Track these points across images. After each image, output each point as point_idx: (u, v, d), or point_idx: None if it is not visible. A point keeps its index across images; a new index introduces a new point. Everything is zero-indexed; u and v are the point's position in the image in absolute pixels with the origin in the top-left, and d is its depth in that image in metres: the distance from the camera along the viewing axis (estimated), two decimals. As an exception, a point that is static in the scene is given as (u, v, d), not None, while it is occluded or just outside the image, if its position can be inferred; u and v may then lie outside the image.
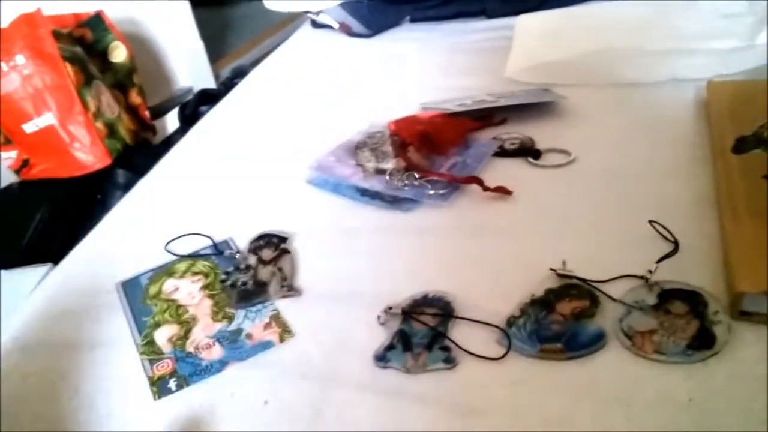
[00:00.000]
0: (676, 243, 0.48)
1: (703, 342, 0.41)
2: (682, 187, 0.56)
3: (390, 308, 0.47)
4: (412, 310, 0.47)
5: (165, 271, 0.55)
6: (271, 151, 0.75)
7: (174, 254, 0.56)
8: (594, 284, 0.46)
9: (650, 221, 0.51)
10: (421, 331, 0.45)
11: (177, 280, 0.53)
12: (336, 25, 1.05)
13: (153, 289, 0.53)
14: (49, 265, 1.07)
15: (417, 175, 0.61)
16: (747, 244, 0.45)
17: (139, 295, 0.53)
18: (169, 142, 0.80)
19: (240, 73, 1.02)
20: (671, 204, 0.54)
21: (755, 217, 0.48)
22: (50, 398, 0.46)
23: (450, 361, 0.43)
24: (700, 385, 0.39)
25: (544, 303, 0.46)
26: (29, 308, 0.55)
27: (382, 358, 0.44)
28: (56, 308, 0.54)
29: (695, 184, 0.56)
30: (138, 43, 2.06)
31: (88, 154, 1.64)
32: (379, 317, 0.47)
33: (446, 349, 0.44)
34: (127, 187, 0.74)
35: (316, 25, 1.11)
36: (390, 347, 0.45)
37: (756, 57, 0.71)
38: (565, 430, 0.38)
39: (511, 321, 0.45)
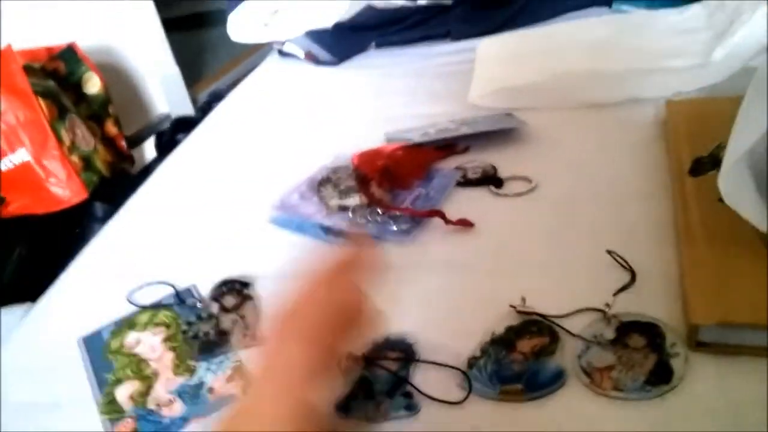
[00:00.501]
0: (633, 273, 0.49)
1: (660, 376, 0.41)
2: (642, 212, 0.57)
3: (350, 354, 0.46)
4: (373, 356, 0.46)
5: (127, 323, 0.54)
6: (237, 187, 0.75)
7: (136, 305, 0.56)
8: (553, 320, 0.46)
9: (608, 251, 0.51)
10: (383, 377, 0.45)
11: (139, 332, 0.53)
12: (302, 55, 1.05)
13: (115, 344, 0.52)
14: (28, 304, 1.07)
15: (380, 211, 0.61)
16: (703, 273, 0.45)
17: (100, 351, 0.52)
18: (147, 171, 0.80)
19: (217, 97, 1.02)
20: (631, 231, 0.55)
21: (711, 243, 0.48)
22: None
23: (412, 408, 0.43)
24: (659, 420, 0.39)
25: (504, 341, 0.46)
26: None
27: (343, 408, 0.43)
28: (17, 366, 0.54)
29: (655, 209, 0.57)
30: (112, 71, 2.06)
31: (64, 188, 1.63)
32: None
33: (408, 395, 0.44)
34: (105, 219, 0.74)
35: (282, 54, 1.11)
36: (352, 396, 0.44)
37: (713, 74, 0.72)
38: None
39: (471, 362, 0.45)
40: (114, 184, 1.66)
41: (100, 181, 1.68)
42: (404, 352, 0.46)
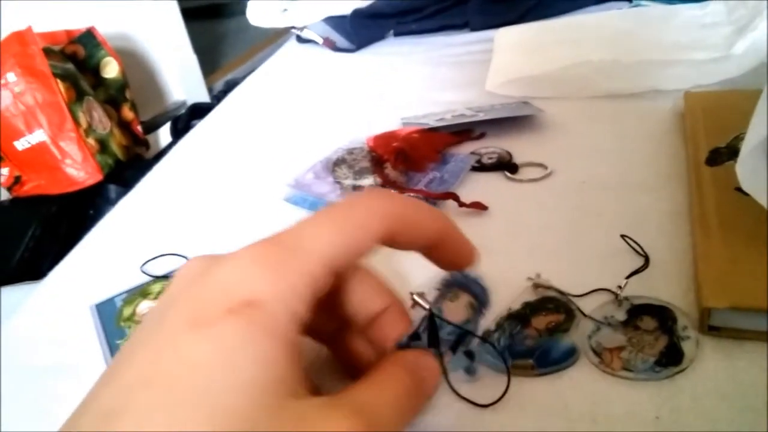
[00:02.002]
0: (646, 257, 0.49)
1: (671, 358, 0.41)
2: (657, 201, 0.57)
3: (421, 293, 0.39)
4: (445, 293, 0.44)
5: (139, 292, 0.55)
6: (252, 167, 0.75)
7: (149, 275, 0.57)
8: (570, 297, 0.46)
9: (622, 236, 0.51)
10: (450, 325, 0.40)
11: (151, 301, 0.53)
12: (320, 41, 1.06)
13: (127, 311, 0.53)
14: (35, 283, 1.08)
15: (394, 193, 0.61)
16: (717, 258, 0.45)
17: (113, 318, 0.53)
18: (162, 156, 0.81)
19: (233, 86, 1.02)
20: (645, 218, 0.55)
21: (726, 231, 0.48)
22: (22, 420, 0.46)
23: (471, 372, 0.40)
24: (667, 402, 0.39)
25: (520, 317, 0.46)
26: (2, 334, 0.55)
27: (404, 346, 0.39)
28: (29, 332, 0.54)
29: (670, 198, 0.56)
30: (130, 57, 2.07)
31: (79, 170, 1.65)
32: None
33: (470, 354, 0.39)
34: (119, 202, 0.74)
35: (300, 40, 1.11)
36: (414, 336, 0.37)
37: (733, 67, 0.72)
38: (531, 449, 0.38)
39: (486, 335, 0.45)
40: (129, 167, 1.68)
41: (115, 164, 1.69)
42: (476, 297, 0.42)
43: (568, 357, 0.43)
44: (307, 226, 0.32)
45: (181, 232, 0.64)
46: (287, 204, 0.64)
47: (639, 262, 0.49)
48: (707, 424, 0.38)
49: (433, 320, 0.36)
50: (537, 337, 0.44)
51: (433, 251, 0.38)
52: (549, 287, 0.47)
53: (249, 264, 0.30)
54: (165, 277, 0.56)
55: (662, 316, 0.44)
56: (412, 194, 0.61)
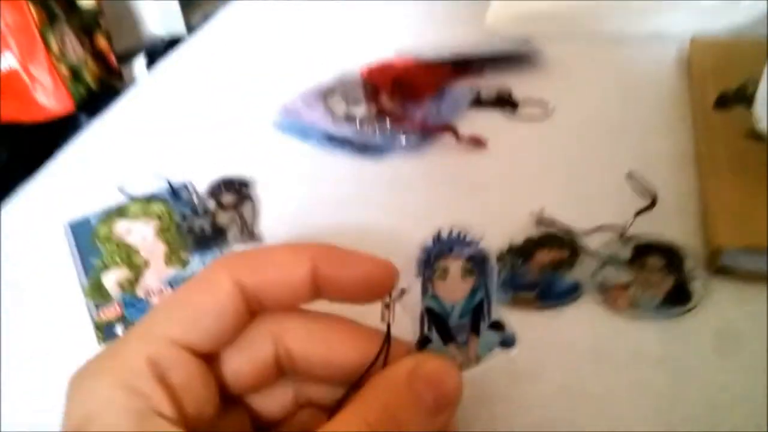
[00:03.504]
0: (654, 197, 0.47)
1: (678, 298, 0.40)
2: (662, 143, 0.55)
3: (402, 290, 0.29)
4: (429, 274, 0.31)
5: (117, 212, 0.51)
6: (237, 94, 0.71)
7: (127, 195, 0.53)
8: (575, 234, 0.44)
9: (628, 174, 0.49)
10: (453, 306, 0.30)
11: (130, 221, 0.50)
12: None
13: (103, 230, 0.50)
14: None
15: (389, 123, 0.58)
16: (728, 198, 0.44)
17: (88, 237, 0.49)
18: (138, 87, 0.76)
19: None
20: (650, 159, 0.52)
21: (737, 175, 0.46)
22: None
23: (509, 342, 0.30)
24: (673, 342, 0.38)
25: (522, 251, 0.44)
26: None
27: None
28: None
29: (675, 141, 0.55)
30: (106, -15, 1.97)
31: (50, 98, 1.57)
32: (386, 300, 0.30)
33: (497, 325, 0.30)
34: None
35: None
36: (424, 341, 0.29)
37: (740, 15, 0.69)
38: (531, 383, 0.37)
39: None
40: (102, 98, 1.60)
41: (88, 94, 1.62)
42: (475, 262, 0.30)
43: (572, 293, 0.41)
44: (148, 316, 0.29)
45: (164, 154, 0.60)
46: (276, 131, 0.61)
47: (643, 202, 0.47)
48: (714, 366, 0.36)
49: (432, 312, 0.30)
50: (539, 272, 0.42)
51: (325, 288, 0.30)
52: (553, 223, 0.45)
53: (77, 385, 0.26)
54: (145, 198, 0.52)
55: (669, 255, 0.42)
56: (408, 126, 0.58)
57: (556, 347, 0.38)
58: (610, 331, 0.39)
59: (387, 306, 0.30)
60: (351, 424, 0.25)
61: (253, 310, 0.29)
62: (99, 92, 1.64)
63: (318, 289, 0.29)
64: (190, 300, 0.28)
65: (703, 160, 0.50)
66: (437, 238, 0.29)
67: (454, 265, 0.29)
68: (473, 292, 0.30)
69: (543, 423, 0.35)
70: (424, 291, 0.29)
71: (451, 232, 0.29)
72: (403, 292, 0.30)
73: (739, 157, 0.48)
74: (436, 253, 0.29)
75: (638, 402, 0.35)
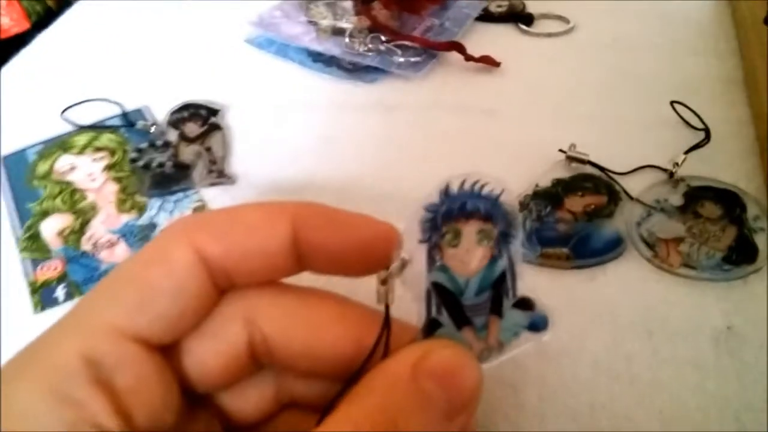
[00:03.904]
0: (706, 130, 0.39)
1: (742, 254, 0.33)
2: (706, 66, 0.46)
3: (403, 260, 0.22)
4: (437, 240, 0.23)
5: (59, 144, 0.42)
6: (204, 3, 0.61)
7: (72, 123, 0.44)
8: (613, 175, 0.37)
9: (673, 102, 0.41)
10: (470, 277, 0.23)
11: (74, 156, 0.42)
12: None
13: (42, 167, 0.41)
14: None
15: (384, 38, 0.49)
16: (797, 133, 0.36)
17: (23, 175, 0.41)
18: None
19: None
20: (693, 86, 0.45)
21: (802, 101, 0.39)
22: None
23: (540, 325, 0.24)
24: (740, 308, 0.31)
25: (550, 196, 0.36)
26: None
27: None
28: None
29: (720, 62, 0.46)
30: None
31: (3, 15, 1.43)
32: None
33: (526, 303, 0.23)
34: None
35: None
36: (432, 324, 0.22)
37: None
38: (565, 364, 0.30)
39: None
40: (59, 16, 1.47)
41: (45, 13, 1.48)
42: (488, 218, 0.23)
43: (614, 247, 0.34)
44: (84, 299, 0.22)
45: (117, 73, 0.50)
46: (249, 47, 0.52)
47: (689, 136, 0.40)
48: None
49: (441, 288, 0.23)
50: (572, 221, 0.35)
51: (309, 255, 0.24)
52: (586, 161, 0.38)
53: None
54: (92, 126, 0.44)
55: (728, 202, 0.35)
56: (407, 42, 0.49)
57: (595, 317, 0.31)
58: (662, 296, 0.32)
59: (384, 282, 0.22)
60: (338, 430, 0.19)
61: (221, 286, 0.23)
62: (57, 10, 1.49)
63: (301, 258, 0.23)
64: (138, 276, 0.22)
65: (757, 86, 0.42)
66: (446, 192, 0.22)
67: (468, 228, 0.22)
68: (493, 261, 0.23)
69: (581, 411, 0.29)
70: (431, 261, 0.22)
71: (463, 183, 0.22)
72: (404, 263, 0.22)
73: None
74: (445, 212, 0.22)
75: (695, 385, 0.29)
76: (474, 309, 0.22)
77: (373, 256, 0.23)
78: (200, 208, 0.38)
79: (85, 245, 0.37)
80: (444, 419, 0.20)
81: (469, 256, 0.22)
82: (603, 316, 0.31)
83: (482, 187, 0.22)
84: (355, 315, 0.24)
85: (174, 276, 0.21)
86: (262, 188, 0.39)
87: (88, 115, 0.45)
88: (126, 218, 0.38)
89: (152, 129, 0.43)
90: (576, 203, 0.36)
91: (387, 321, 0.22)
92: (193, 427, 0.23)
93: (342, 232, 0.23)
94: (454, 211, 0.22)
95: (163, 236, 0.23)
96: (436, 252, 0.22)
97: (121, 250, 0.36)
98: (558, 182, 0.37)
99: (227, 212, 0.25)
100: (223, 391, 0.25)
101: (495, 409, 0.29)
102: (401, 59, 0.48)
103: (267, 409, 0.25)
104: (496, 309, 0.23)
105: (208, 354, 0.23)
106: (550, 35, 0.51)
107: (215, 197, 0.39)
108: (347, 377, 0.21)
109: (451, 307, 0.22)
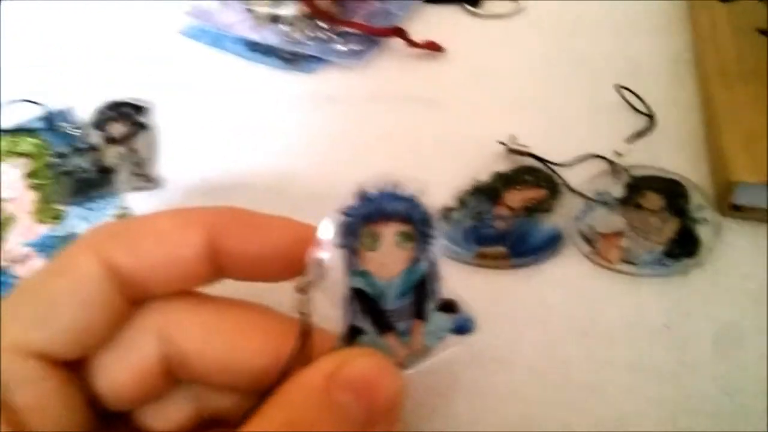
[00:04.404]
0: (650, 116, 0.38)
1: (683, 247, 0.32)
2: (655, 46, 0.45)
3: (320, 259, 0.21)
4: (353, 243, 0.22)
5: (-25, 151, 0.40)
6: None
7: (-9, 127, 0.42)
8: (554, 166, 0.35)
9: (619, 86, 0.40)
10: (390, 280, 0.22)
11: (-8, 164, 0.39)
12: None
13: (-44, 178, 0.39)
14: None
15: (324, 26, 0.47)
16: (743, 118, 0.35)
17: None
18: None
19: None
20: (641, 67, 0.43)
21: (751, 83, 0.37)
22: None
23: (465, 327, 0.22)
24: (679, 304, 0.30)
25: (489, 191, 0.35)
26: None
27: None
28: None
29: (671, 43, 0.45)
30: None
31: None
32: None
33: (449, 306, 0.22)
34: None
35: None
36: (353, 332, 0.21)
37: None
38: (500, 370, 0.29)
39: (444, 215, 0.34)
40: None
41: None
42: (415, 224, 0.22)
43: (552, 244, 0.32)
44: None
45: (38, 70, 0.48)
46: (184, 38, 0.49)
47: (637, 121, 0.38)
48: (731, 335, 0.29)
49: (361, 293, 0.22)
50: (510, 217, 0.34)
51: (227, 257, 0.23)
52: (526, 153, 0.36)
53: None
54: (11, 130, 0.41)
55: (671, 191, 0.34)
56: (348, 29, 0.47)
57: (530, 319, 0.30)
58: (598, 294, 0.31)
59: (302, 290, 0.21)
60: None
61: (133, 298, 0.22)
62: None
63: (218, 266, 0.22)
64: (41, 290, 0.21)
65: (707, 67, 0.40)
66: (363, 195, 0.21)
67: (387, 230, 0.22)
68: (414, 264, 0.22)
69: (517, 420, 0.27)
70: (349, 266, 0.21)
71: (380, 185, 0.21)
72: (323, 269, 0.21)
73: (752, 61, 0.39)
74: (363, 215, 0.21)
75: (631, 388, 0.28)
76: (396, 314, 0.22)
77: (294, 260, 0.21)
78: (123, 216, 0.36)
79: (1, 260, 0.35)
80: (361, 430, 0.19)
81: (389, 259, 0.22)
82: (539, 318, 0.30)
83: (400, 187, 0.22)
84: (275, 325, 0.23)
85: (78, 288, 0.21)
86: (190, 191, 0.37)
87: (7, 118, 0.42)
88: (43, 229, 0.36)
89: (75, 131, 0.40)
90: (515, 198, 0.34)
91: (304, 330, 0.21)
92: None
93: (260, 237, 0.23)
94: (372, 213, 0.21)
95: (70, 248, 0.22)
96: (355, 256, 0.21)
97: (39, 264, 0.34)
98: (498, 176, 0.36)
99: (138, 221, 0.24)
100: (139, 408, 0.24)
101: (425, 420, 0.28)
102: (342, 47, 0.46)
103: (186, 425, 0.24)
104: (419, 313, 0.22)
105: (119, 369, 0.22)
106: (497, 16, 0.49)
107: (140, 203, 0.37)
108: (265, 390, 0.20)
109: (372, 312, 0.22)
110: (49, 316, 0.20)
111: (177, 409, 0.24)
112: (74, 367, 0.21)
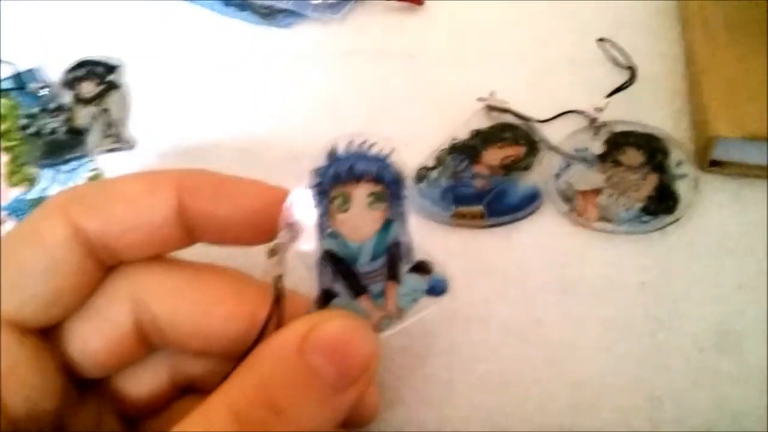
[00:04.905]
0: (631, 69, 0.37)
1: (662, 203, 0.31)
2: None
3: (291, 221, 0.21)
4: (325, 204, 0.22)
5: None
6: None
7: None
8: (534, 123, 0.35)
9: (600, 39, 0.39)
10: (363, 243, 0.22)
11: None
12: None
13: None
14: None
15: (300, -22, 0.46)
16: (723, 71, 0.34)
17: None
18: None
19: None
20: (623, 20, 0.42)
21: (733, 34, 0.36)
22: None
23: (439, 288, 0.22)
24: (657, 262, 0.30)
25: (467, 149, 0.34)
26: None
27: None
28: None
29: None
30: None
31: None
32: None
33: (422, 267, 0.22)
34: None
35: None
36: (326, 296, 0.21)
37: None
38: (477, 329, 0.29)
39: (421, 174, 0.34)
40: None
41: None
42: (386, 184, 0.21)
43: (529, 203, 0.32)
44: None
45: (5, 29, 0.46)
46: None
47: (620, 75, 0.38)
48: (707, 289, 0.29)
49: (333, 256, 0.21)
50: (489, 176, 0.33)
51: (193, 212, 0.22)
52: (505, 110, 0.35)
53: None
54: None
55: (650, 147, 0.34)
56: (324, -18, 0.45)
57: (507, 278, 0.30)
58: (578, 252, 0.31)
59: (273, 252, 0.21)
60: (212, 413, 0.18)
61: (105, 263, 0.22)
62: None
63: (190, 230, 0.22)
64: (9, 256, 0.20)
65: (690, 19, 0.39)
66: (332, 155, 0.21)
67: (359, 191, 0.21)
68: (386, 225, 0.22)
69: (492, 379, 0.28)
70: (321, 228, 0.21)
71: (350, 144, 0.21)
72: (295, 231, 0.21)
73: (735, 13, 0.38)
74: (333, 176, 0.21)
75: (613, 344, 0.28)
76: (370, 276, 0.22)
77: (266, 224, 0.21)
78: (96, 177, 0.35)
79: (-28, 224, 0.34)
80: (332, 393, 0.19)
81: (361, 220, 0.21)
82: (516, 277, 0.30)
83: (370, 147, 0.21)
84: (249, 290, 0.23)
85: (47, 254, 0.20)
86: (163, 153, 0.37)
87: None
88: (15, 192, 0.35)
89: (44, 91, 0.39)
90: (494, 155, 0.34)
91: (277, 294, 0.21)
92: (84, 413, 0.23)
93: (231, 200, 0.22)
94: (342, 174, 0.21)
95: (37, 212, 0.22)
96: (326, 218, 0.21)
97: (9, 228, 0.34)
98: (477, 133, 0.35)
99: (106, 184, 0.24)
100: (114, 374, 0.24)
101: (402, 380, 0.28)
102: (318, 1, 0.45)
103: (163, 393, 0.25)
104: (393, 274, 0.22)
105: (92, 335, 0.22)
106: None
107: (114, 165, 0.36)
108: (240, 356, 0.20)
109: (345, 275, 0.22)
110: (18, 284, 0.20)
111: (152, 376, 0.24)
112: (47, 334, 0.21)
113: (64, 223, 0.21)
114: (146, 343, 0.23)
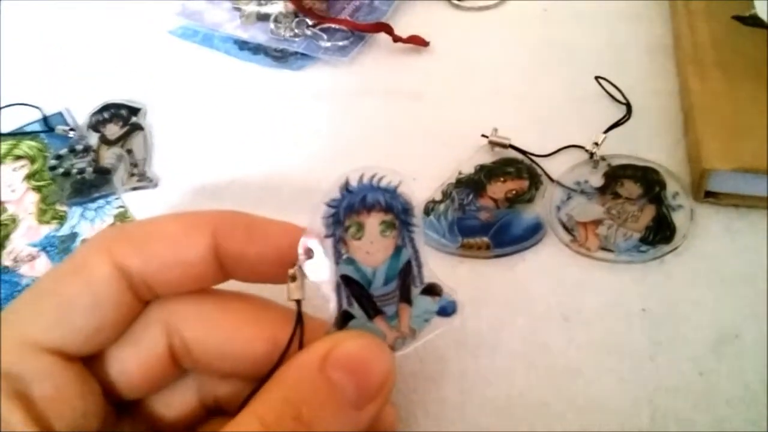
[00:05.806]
0: (628, 105, 0.39)
1: (660, 233, 0.33)
2: (634, 34, 0.46)
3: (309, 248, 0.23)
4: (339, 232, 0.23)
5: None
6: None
7: (-12, 132, 0.43)
8: (535, 158, 0.37)
9: (597, 77, 0.41)
10: (376, 267, 0.23)
11: (-10, 168, 0.41)
12: None
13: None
14: None
15: (310, 23, 0.48)
16: (717, 106, 0.36)
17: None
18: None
19: None
20: (621, 57, 0.44)
21: (725, 70, 0.38)
22: None
23: (449, 309, 0.24)
24: (656, 289, 0.31)
25: (473, 183, 0.36)
26: None
27: None
28: None
29: (650, 31, 0.46)
30: None
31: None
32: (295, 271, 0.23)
33: (432, 289, 0.24)
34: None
35: None
36: (345, 317, 0.23)
37: None
38: (485, 355, 0.30)
39: (429, 207, 0.35)
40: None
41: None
42: (397, 212, 0.23)
43: (533, 234, 0.34)
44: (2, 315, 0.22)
45: (34, 74, 0.49)
46: (173, 38, 0.50)
47: (617, 111, 0.40)
48: (704, 315, 0.30)
49: (349, 280, 0.23)
50: (493, 208, 0.35)
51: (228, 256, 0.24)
52: (508, 145, 0.37)
53: None
54: (10, 134, 0.42)
55: (648, 180, 0.35)
56: (333, 25, 0.48)
57: (513, 306, 0.32)
58: (579, 280, 0.32)
59: (293, 278, 0.23)
60: (244, 425, 0.19)
61: (144, 297, 0.23)
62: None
63: (223, 268, 0.24)
64: (56, 291, 0.22)
65: (683, 55, 0.41)
66: (345, 187, 0.23)
67: (371, 220, 0.23)
68: (397, 250, 0.24)
69: (501, 402, 0.29)
70: (337, 255, 0.23)
71: (362, 177, 0.23)
72: (310, 254, 0.23)
73: (727, 49, 0.40)
74: (347, 206, 0.23)
75: (610, 369, 0.29)
76: (384, 298, 0.23)
77: (292, 262, 0.23)
78: (122, 214, 0.37)
79: (6, 260, 0.36)
80: (353, 408, 0.20)
81: (374, 247, 0.23)
82: (521, 304, 0.32)
83: (380, 179, 0.23)
84: (270, 315, 0.25)
85: (92, 289, 0.22)
86: (185, 190, 0.39)
87: (6, 122, 0.44)
88: (46, 230, 0.37)
89: (71, 133, 0.42)
90: (498, 189, 0.36)
91: (299, 316, 0.23)
92: None
93: (261, 241, 0.24)
94: (355, 204, 0.23)
95: (83, 249, 0.23)
96: (341, 245, 0.23)
97: (42, 264, 0.35)
98: (481, 168, 0.37)
99: (146, 223, 0.26)
100: (148, 397, 0.25)
101: (416, 404, 0.29)
102: (328, 44, 0.47)
103: (192, 413, 0.26)
104: (406, 297, 0.24)
105: (130, 361, 0.24)
106: (480, 9, 0.50)
107: (138, 202, 0.38)
108: (263, 376, 0.22)
109: (360, 298, 0.23)
110: (65, 318, 0.22)
111: (182, 398, 0.26)
112: (90, 361, 0.23)
113: (108, 260, 0.22)
114: (178, 366, 0.24)
